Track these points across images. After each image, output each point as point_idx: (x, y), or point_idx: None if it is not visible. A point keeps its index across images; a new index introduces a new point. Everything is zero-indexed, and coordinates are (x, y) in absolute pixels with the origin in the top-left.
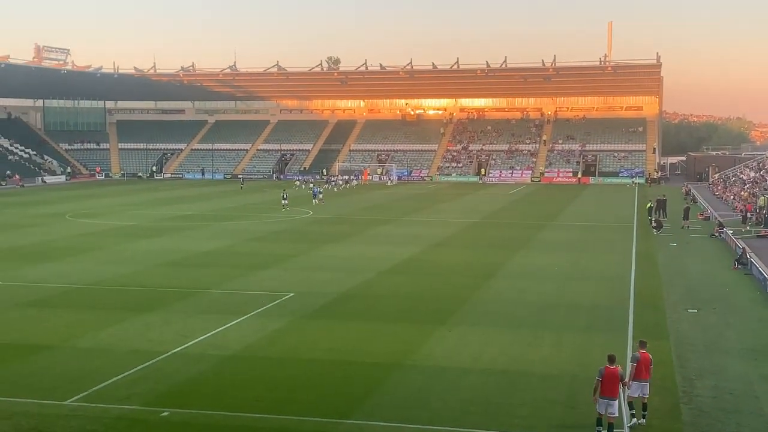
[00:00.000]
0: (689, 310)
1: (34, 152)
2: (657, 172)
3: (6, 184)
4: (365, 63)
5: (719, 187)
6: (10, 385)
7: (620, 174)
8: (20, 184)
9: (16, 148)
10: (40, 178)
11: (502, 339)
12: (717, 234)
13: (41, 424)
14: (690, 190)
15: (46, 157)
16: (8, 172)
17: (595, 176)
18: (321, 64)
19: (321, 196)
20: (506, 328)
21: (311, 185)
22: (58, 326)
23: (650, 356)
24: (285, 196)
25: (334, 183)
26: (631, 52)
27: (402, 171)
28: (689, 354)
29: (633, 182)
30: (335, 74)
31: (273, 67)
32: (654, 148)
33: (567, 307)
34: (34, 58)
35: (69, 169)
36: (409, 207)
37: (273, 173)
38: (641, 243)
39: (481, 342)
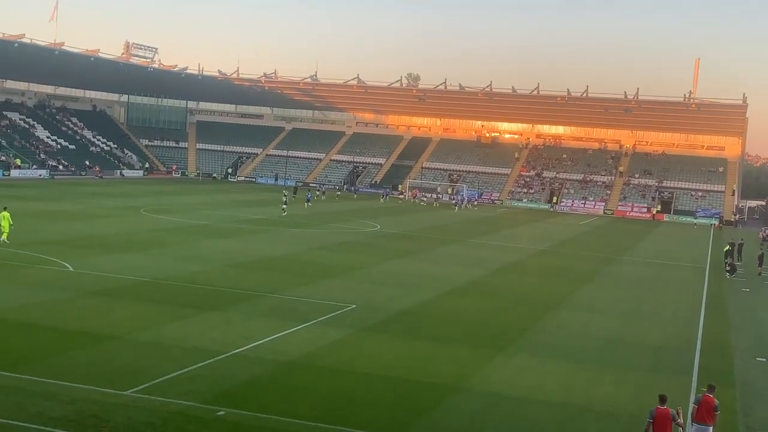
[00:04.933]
0: (758, 359)
1: (115, 145)
2: (734, 215)
3: (86, 175)
4: (444, 82)
5: None
6: (73, 371)
7: (697, 214)
8: (99, 175)
9: (99, 140)
10: (118, 171)
11: (562, 371)
12: None
13: (101, 411)
14: (767, 235)
15: (126, 151)
16: (87, 162)
17: (670, 214)
18: (400, 80)
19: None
20: (567, 361)
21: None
22: (123, 317)
23: (715, 401)
24: (285, 201)
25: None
26: (716, 91)
27: (472, 192)
28: (755, 403)
29: (711, 223)
30: (414, 91)
31: (353, 79)
32: (733, 190)
33: (631, 345)
34: (122, 54)
35: (147, 165)
36: (477, 229)
37: (344, 184)
38: (713, 286)
39: (540, 372)
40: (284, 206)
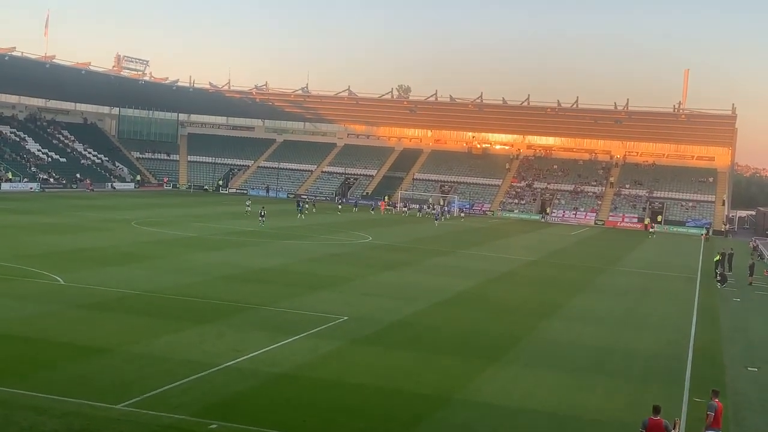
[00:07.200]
0: (749, 368)
1: (107, 158)
2: (725, 225)
3: (77, 187)
4: (435, 93)
5: None
6: (64, 384)
7: (687, 224)
8: (91, 188)
9: (90, 152)
10: (110, 183)
11: (554, 381)
12: None
13: (92, 425)
14: (757, 245)
15: (117, 163)
16: (78, 175)
17: (660, 224)
18: (391, 91)
19: (303, 215)
20: (559, 371)
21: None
22: (114, 330)
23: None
24: (263, 213)
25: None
26: (706, 101)
27: (462, 203)
28: (745, 412)
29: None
30: (405, 102)
31: (344, 91)
32: (723, 200)
33: (623, 354)
34: (113, 66)
35: (138, 177)
36: (468, 240)
37: (336, 196)
38: (704, 295)
39: (531, 382)
40: (261, 217)
